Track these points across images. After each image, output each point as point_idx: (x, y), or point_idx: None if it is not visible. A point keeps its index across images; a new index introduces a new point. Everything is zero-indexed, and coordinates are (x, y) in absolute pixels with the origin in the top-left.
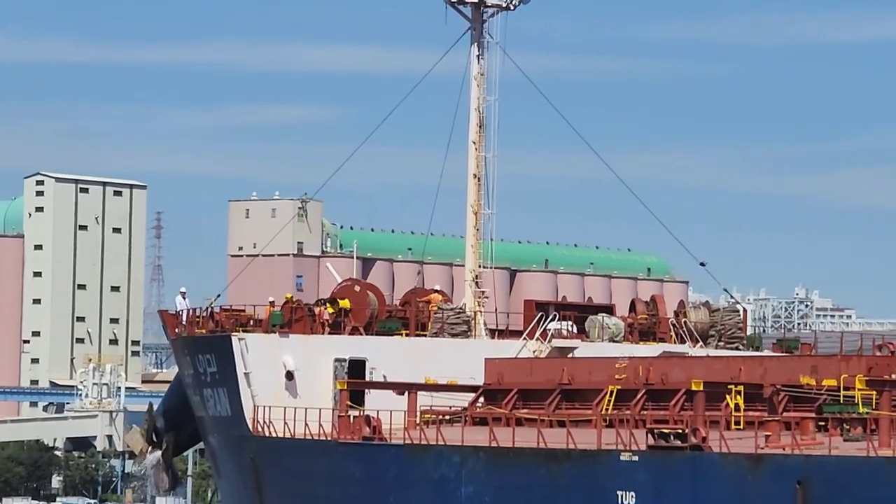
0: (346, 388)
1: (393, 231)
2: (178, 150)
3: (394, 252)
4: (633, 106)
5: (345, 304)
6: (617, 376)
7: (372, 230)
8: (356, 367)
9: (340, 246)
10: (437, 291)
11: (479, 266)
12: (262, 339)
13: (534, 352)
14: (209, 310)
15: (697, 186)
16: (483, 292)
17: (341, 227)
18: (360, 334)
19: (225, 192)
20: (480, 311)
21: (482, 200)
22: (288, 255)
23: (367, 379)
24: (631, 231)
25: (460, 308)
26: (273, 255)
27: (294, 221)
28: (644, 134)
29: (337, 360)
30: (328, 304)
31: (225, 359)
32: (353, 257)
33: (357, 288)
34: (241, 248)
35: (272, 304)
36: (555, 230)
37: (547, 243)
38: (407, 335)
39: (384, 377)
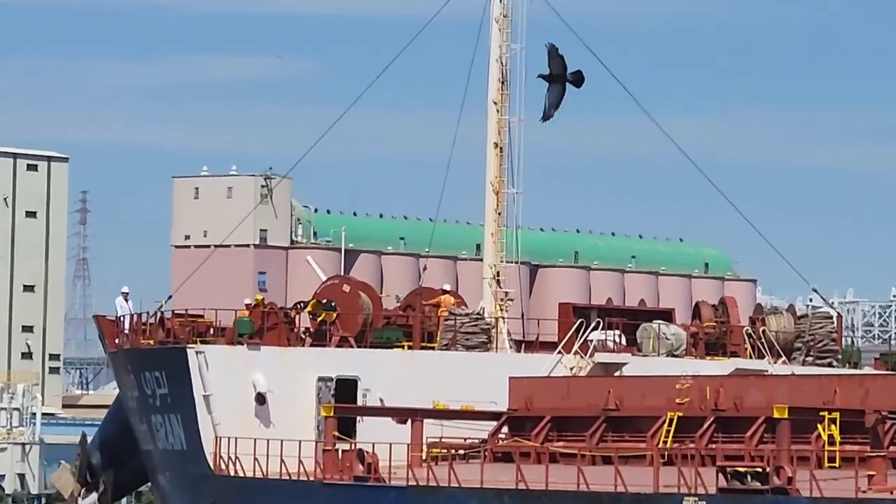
0: (332, 414)
1: (381, 216)
2: (108, 114)
3: (382, 242)
4: (691, 60)
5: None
6: (678, 400)
7: (355, 214)
8: (345, 389)
9: (315, 235)
10: (447, 292)
11: (502, 260)
12: (226, 352)
13: (571, 369)
14: (159, 315)
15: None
16: (507, 294)
17: (315, 210)
18: (351, 346)
19: (168, 166)
20: (503, 318)
21: (504, 177)
22: (248, 245)
23: (360, 403)
24: (683, 217)
25: (477, 313)
26: (229, 247)
27: (256, 203)
28: (704, 96)
29: (321, 379)
30: (310, 309)
31: (178, 377)
32: (331, 249)
33: (346, 287)
34: (188, 238)
35: (248, 307)
36: (587, 215)
37: (577, 231)
38: (410, 348)
39: (381, 401)
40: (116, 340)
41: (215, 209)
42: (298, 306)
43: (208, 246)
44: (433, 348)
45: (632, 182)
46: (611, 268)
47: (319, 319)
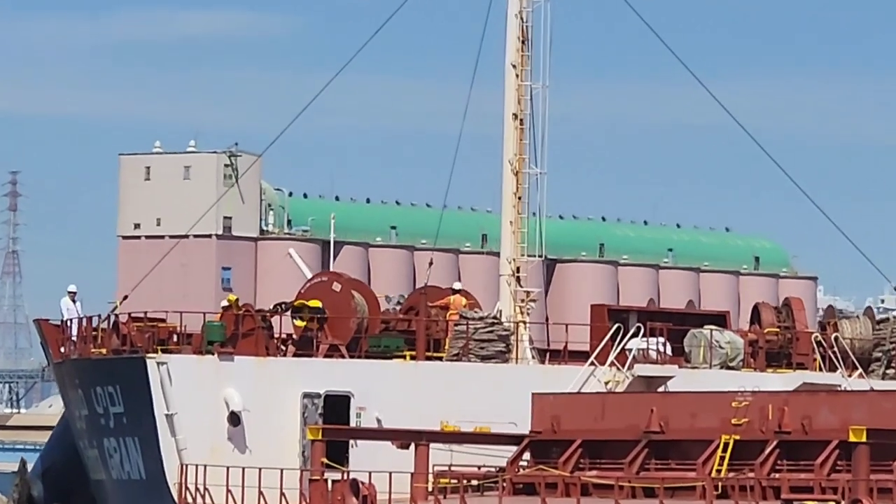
0: (320, 437)
1: (369, 201)
2: (43, 79)
3: (370, 232)
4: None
5: (315, 305)
6: (735, 421)
7: (337, 199)
8: (336, 407)
9: (289, 223)
10: (458, 292)
11: (523, 255)
12: (193, 363)
13: (607, 383)
14: (112, 319)
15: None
16: (528, 294)
17: (290, 194)
18: (342, 356)
19: (114, 141)
20: (525, 323)
21: (525, 154)
22: (209, 236)
23: (353, 424)
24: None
25: (494, 317)
26: (187, 237)
27: (218, 186)
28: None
29: (307, 395)
30: (294, 311)
31: (136, 393)
32: (309, 240)
33: (336, 286)
34: (137, 226)
35: (225, 309)
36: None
37: (603, 219)
38: (413, 358)
39: (378, 421)
40: (62, 349)
41: (170, 193)
42: (279, 308)
43: (162, 237)
44: (441, 359)
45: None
46: (643, 262)
47: (305, 324)
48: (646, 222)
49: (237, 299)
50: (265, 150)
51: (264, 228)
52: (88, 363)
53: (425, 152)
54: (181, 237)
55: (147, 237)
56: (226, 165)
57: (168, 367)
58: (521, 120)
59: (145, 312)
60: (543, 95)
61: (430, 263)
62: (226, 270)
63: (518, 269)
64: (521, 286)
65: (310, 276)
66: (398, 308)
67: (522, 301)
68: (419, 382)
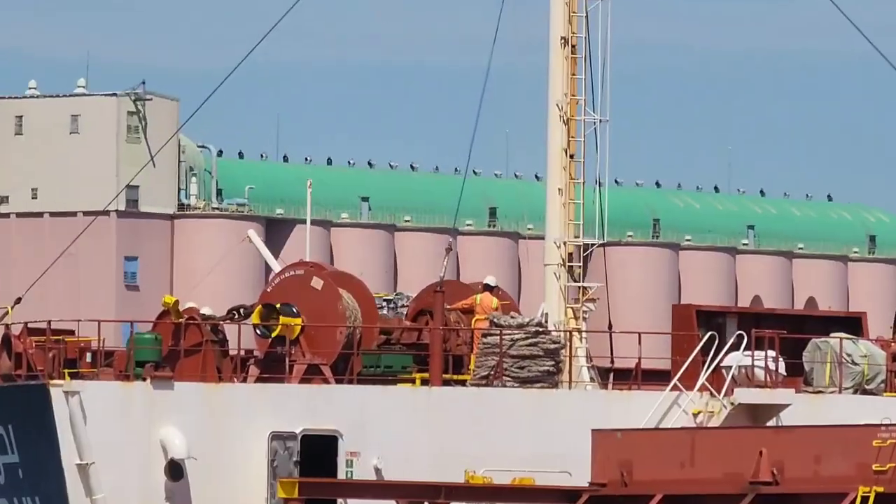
0: (296, 495)
1: (331, 163)
2: None
3: (333, 205)
4: None
5: (287, 319)
6: (876, 466)
7: (285, 160)
8: (318, 451)
9: (219, 194)
10: (490, 289)
11: (577, 236)
12: (117, 393)
13: (696, 415)
14: (1, 331)
15: None
16: (585, 291)
17: (219, 153)
18: (326, 381)
19: None
20: (581, 333)
21: (581, 94)
22: (107, 213)
23: (343, 476)
24: (833, 165)
25: (539, 324)
26: (75, 215)
27: (119, 143)
28: None
29: (277, 436)
30: (256, 320)
31: (36, 435)
32: (247, 217)
33: (317, 282)
34: (3, 200)
35: (161, 316)
36: (674, 161)
37: (657, 186)
38: (425, 382)
39: (378, 471)
40: None
41: (51, 153)
42: (237, 314)
43: (39, 214)
44: (464, 383)
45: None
46: (713, 245)
47: (273, 336)
48: (717, 189)
49: (177, 302)
50: (205, 95)
51: (184, 202)
52: None
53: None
54: (67, 215)
55: (18, 215)
56: (130, 113)
57: (81, 399)
58: (573, 47)
59: (49, 323)
60: (604, 10)
61: (448, 249)
62: (130, 261)
63: (571, 257)
64: (574, 280)
65: (278, 267)
66: (402, 312)
67: (580, 304)
68: (434, 416)
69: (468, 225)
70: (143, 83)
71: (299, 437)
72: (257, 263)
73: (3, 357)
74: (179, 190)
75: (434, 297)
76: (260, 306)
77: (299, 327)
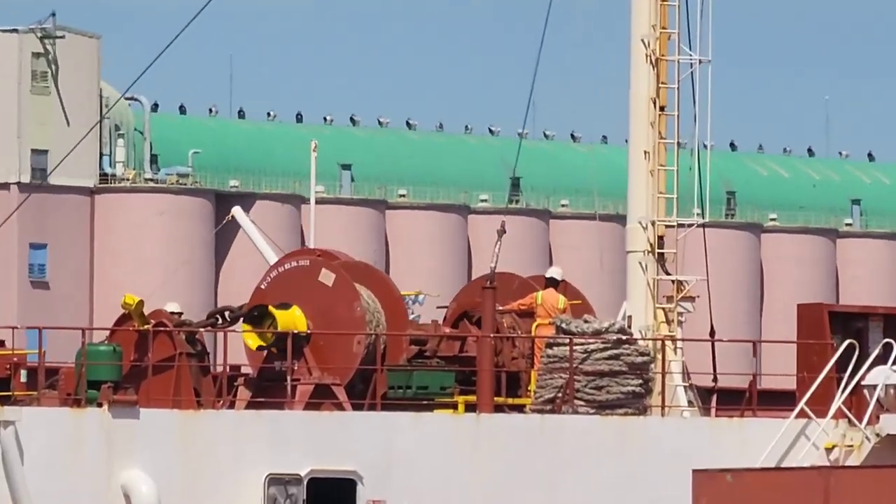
0: None
1: (301, 120)
2: None
3: (304, 176)
4: None
5: (288, 319)
6: None
7: (241, 116)
8: (330, 500)
9: (153, 161)
10: (555, 285)
11: (669, 214)
12: (64, 423)
13: (830, 450)
14: None
15: None
16: (681, 286)
17: (154, 107)
18: (340, 407)
19: None
20: (676, 342)
21: (675, 28)
22: (6, 186)
23: None
24: None
25: (620, 329)
26: None
27: (22, 91)
28: None
29: (276, 479)
30: (250, 323)
31: None
32: (189, 191)
33: (328, 276)
34: None
35: (121, 321)
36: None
37: (733, 149)
38: (472, 408)
39: None
40: None
41: None
42: (219, 320)
43: None
44: (523, 408)
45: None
46: (806, 227)
47: (267, 347)
48: (811, 153)
49: (140, 302)
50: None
51: (108, 171)
52: None
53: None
54: None
55: None
56: (35, 55)
57: (16, 431)
58: None
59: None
60: None
61: (501, 230)
62: (37, 250)
63: (660, 241)
64: (666, 272)
65: (274, 257)
66: (417, 317)
67: (669, 300)
68: (483, 453)
69: (482, 201)
70: (54, 15)
71: (305, 482)
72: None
73: None
74: (102, 156)
75: (482, 296)
76: (251, 308)
77: (304, 335)
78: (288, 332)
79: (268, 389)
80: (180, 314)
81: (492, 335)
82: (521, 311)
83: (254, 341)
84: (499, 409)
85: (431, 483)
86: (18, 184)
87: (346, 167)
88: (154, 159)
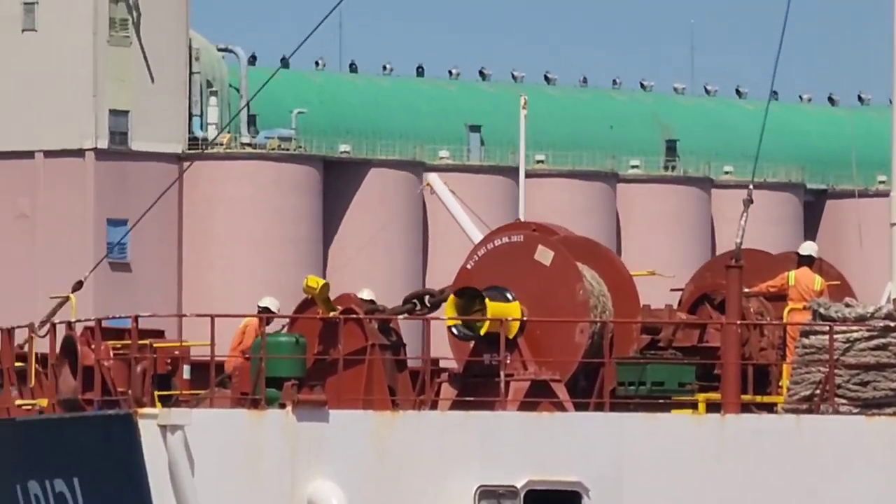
0: None
1: (421, 73)
2: None
3: (424, 140)
4: None
5: (499, 310)
6: None
7: (352, 69)
8: None
9: (251, 122)
10: (810, 262)
11: None
12: (241, 427)
13: None
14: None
15: None
16: None
17: (251, 60)
18: (560, 407)
19: None
20: None
21: None
22: (79, 153)
23: None
24: None
25: (888, 315)
26: (31, 156)
27: (98, 44)
28: None
29: (488, 492)
30: (455, 310)
31: (116, 488)
32: (294, 157)
33: (545, 253)
34: None
35: (302, 307)
36: None
37: None
38: (714, 408)
39: None
40: None
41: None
42: (418, 306)
43: None
44: (773, 407)
45: None
46: None
47: (477, 338)
48: None
49: (325, 286)
50: None
51: (199, 135)
52: (11, 429)
53: None
54: (17, 156)
55: None
56: (114, 0)
57: (185, 436)
58: None
59: (135, 320)
60: None
61: (748, 200)
62: (116, 226)
63: None
64: None
65: (479, 234)
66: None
67: None
68: (729, 460)
69: (633, 167)
70: None
71: (522, 495)
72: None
73: (65, 372)
74: (191, 117)
75: (727, 276)
76: (455, 292)
77: (518, 324)
78: (499, 320)
79: (475, 387)
80: (372, 302)
81: (738, 322)
82: (770, 293)
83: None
84: (745, 408)
85: (668, 495)
86: (95, 150)
87: (475, 129)
88: (252, 121)
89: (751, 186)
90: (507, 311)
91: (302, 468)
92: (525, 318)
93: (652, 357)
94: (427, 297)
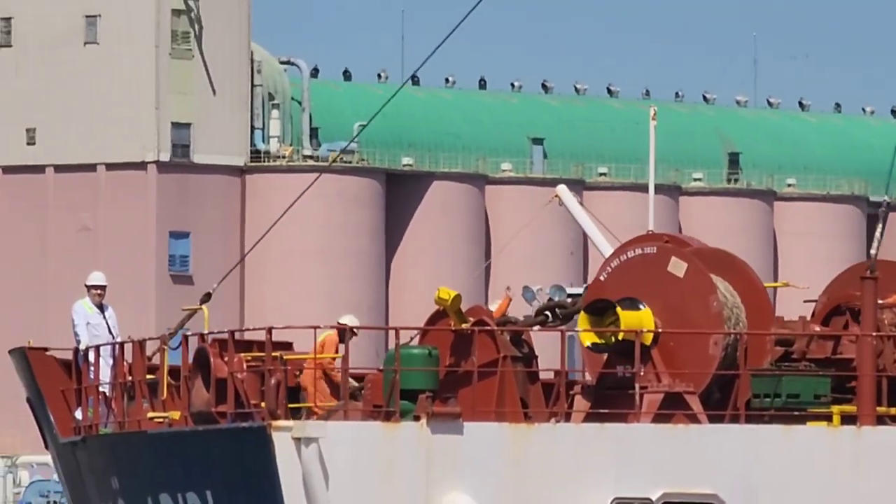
0: None
1: (483, 86)
2: None
3: (486, 153)
4: None
5: (633, 316)
6: None
7: (415, 82)
8: None
9: (313, 135)
10: None
11: None
12: (375, 438)
13: None
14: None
15: None
16: None
17: (314, 73)
18: (696, 420)
19: None
20: None
21: None
22: (142, 165)
23: None
24: None
25: None
26: (93, 168)
27: (160, 57)
28: None
29: (622, 503)
30: (588, 321)
31: (249, 501)
32: (353, 169)
33: (678, 265)
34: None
35: (434, 320)
36: None
37: None
38: (849, 420)
39: None
40: (79, 413)
41: (58, 73)
42: (549, 318)
43: (40, 168)
44: None
45: None
46: None
47: (610, 350)
48: None
49: (458, 297)
50: None
51: (261, 148)
52: (143, 442)
53: None
54: (80, 169)
55: (6, 169)
56: (176, 13)
57: (319, 449)
58: None
59: (269, 332)
60: None
61: (885, 209)
62: (179, 239)
63: None
64: None
65: (608, 247)
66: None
67: None
68: (866, 472)
69: (696, 180)
70: None
71: None
72: (560, 235)
73: (198, 385)
74: (253, 129)
75: (862, 287)
76: (588, 304)
77: (652, 335)
78: (633, 332)
79: (609, 399)
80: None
81: (873, 334)
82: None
83: (589, 338)
84: (879, 420)
85: None
86: (157, 163)
87: (538, 141)
88: (314, 133)
89: (887, 197)
90: (640, 319)
91: (437, 480)
92: (659, 330)
93: (787, 369)
94: (559, 309)
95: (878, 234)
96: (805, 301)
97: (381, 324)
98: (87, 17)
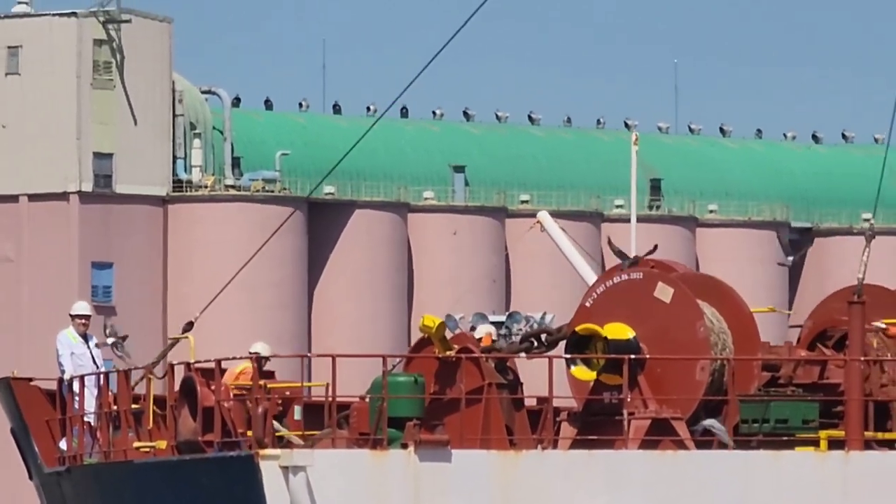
0: None
1: (405, 114)
2: None
3: (407, 182)
4: None
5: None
6: None
7: (336, 110)
8: None
9: (235, 164)
10: None
11: None
12: (363, 466)
13: None
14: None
15: None
16: None
17: (235, 102)
18: (684, 445)
19: None
20: None
21: None
22: (64, 196)
23: None
24: None
25: None
26: (15, 199)
27: (82, 86)
28: None
29: None
30: (573, 347)
31: None
32: (278, 199)
33: (665, 291)
34: None
35: (420, 346)
36: None
37: None
38: (836, 446)
39: None
40: (64, 445)
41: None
42: (535, 344)
43: None
44: (894, 445)
45: None
46: None
47: (596, 376)
48: None
49: (442, 325)
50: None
51: (183, 177)
52: (129, 472)
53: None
54: (2, 200)
55: None
56: (98, 42)
57: (307, 478)
58: None
59: (258, 361)
60: None
61: (870, 234)
62: (101, 270)
63: None
64: None
65: (591, 272)
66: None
67: None
68: (854, 497)
69: (618, 207)
70: None
71: None
72: (483, 263)
73: (185, 414)
74: (175, 159)
75: (849, 312)
76: (573, 331)
77: (638, 361)
78: (620, 358)
79: (595, 425)
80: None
81: (861, 359)
82: (891, 330)
83: (583, 374)
84: (867, 445)
85: None
86: (79, 193)
87: (459, 169)
88: (236, 162)
89: (871, 221)
90: (624, 329)
91: None
92: (646, 356)
93: (774, 394)
94: (545, 336)
95: (864, 258)
96: (791, 326)
97: (304, 352)
98: (10, 47)
